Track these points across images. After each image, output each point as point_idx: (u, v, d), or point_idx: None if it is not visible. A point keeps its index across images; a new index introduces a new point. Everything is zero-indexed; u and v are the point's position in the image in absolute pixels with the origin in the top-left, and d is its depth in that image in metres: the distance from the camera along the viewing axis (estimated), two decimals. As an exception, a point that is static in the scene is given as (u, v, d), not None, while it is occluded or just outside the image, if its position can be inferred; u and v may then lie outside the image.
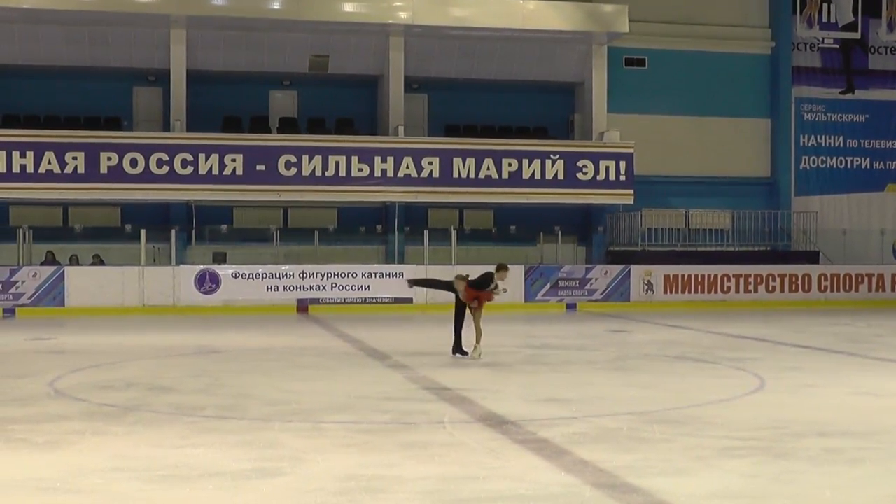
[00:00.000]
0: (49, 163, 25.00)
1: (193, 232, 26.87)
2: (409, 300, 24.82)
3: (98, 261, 25.54)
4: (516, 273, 25.23)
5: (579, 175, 27.35)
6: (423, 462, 7.53)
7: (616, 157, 27.51)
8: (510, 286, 24.69)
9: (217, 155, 25.65)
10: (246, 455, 7.73)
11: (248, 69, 28.05)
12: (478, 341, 14.19)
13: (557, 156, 27.28)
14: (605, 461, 7.51)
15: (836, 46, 31.72)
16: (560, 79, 29.49)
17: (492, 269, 14.59)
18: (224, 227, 27.15)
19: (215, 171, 25.62)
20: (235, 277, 24.14)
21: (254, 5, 26.54)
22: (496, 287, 14.38)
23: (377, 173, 26.38)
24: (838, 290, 27.29)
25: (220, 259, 26.02)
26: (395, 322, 21.77)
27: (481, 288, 14.41)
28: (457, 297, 14.41)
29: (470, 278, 14.52)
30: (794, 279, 27.10)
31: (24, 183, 24.95)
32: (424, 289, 24.38)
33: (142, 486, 6.82)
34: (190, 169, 25.50)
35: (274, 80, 28.85)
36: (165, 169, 25.41)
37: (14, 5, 25.58)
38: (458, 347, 14.52)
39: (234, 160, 25.70)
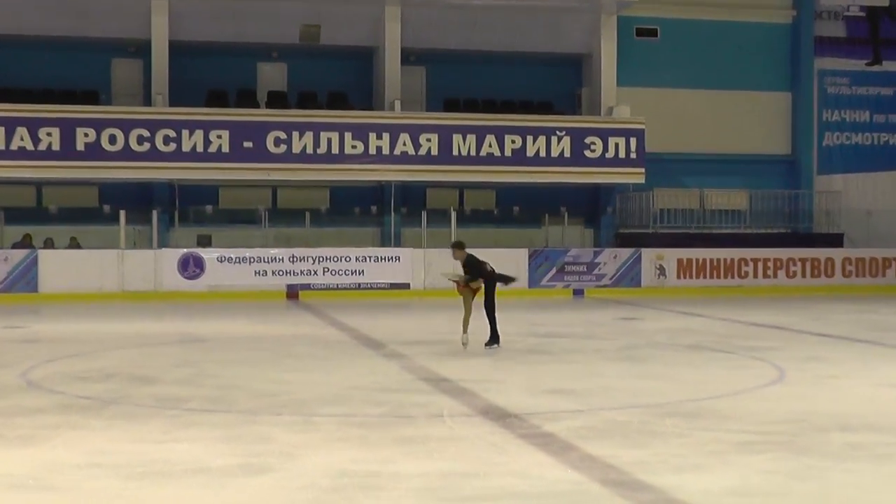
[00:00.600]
0: (21, 139, 24.93)
1: (176, 213, 26.83)
2: (406, 286, 24.82)
3: (75, 244, 25.51)
4: (520, 257, 25.24)
5: (587, 153, 27.29)
6: (420, 458, 7.52)
7: (626, 134, 27.45)
8: (514, 270, 24.79)
9: (201, 131, 25.58)
10: (232, 450, 7.72)
11: (234, 40, 27.95)
12: (465, 330, 14.15)
13: (564, 132, 27.22)
14: (614, 457, 7.51)
15: (863, 15, 31.60)
16: (566, 50, 29.39)
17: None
18: (209, 207, 27.11)
19: (199, 149, 25.55)
20: (221, 261, 24.11)
21: (240, -29, 26.49)
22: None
23: (372, 151, 26.32)
24: (863, 275, 27.27)
25: (205, 242, 25.98)
26: (391, 309, 21.77)
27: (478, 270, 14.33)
28: (486, 284, 14.30)
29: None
30: (815, 263, 27.08)
31: (-4, 161, 24.95)
32: (423, 274, 24.41)
33: (121, 483, 6.80)
34: (172, 146, 25.43)
35: (262, 51, 28.76)
36: (146, 146, 25.35)
37: (-16, -29, 25.51)
38: (494, 337, 14.23)
39: (219, 137, 25.64)
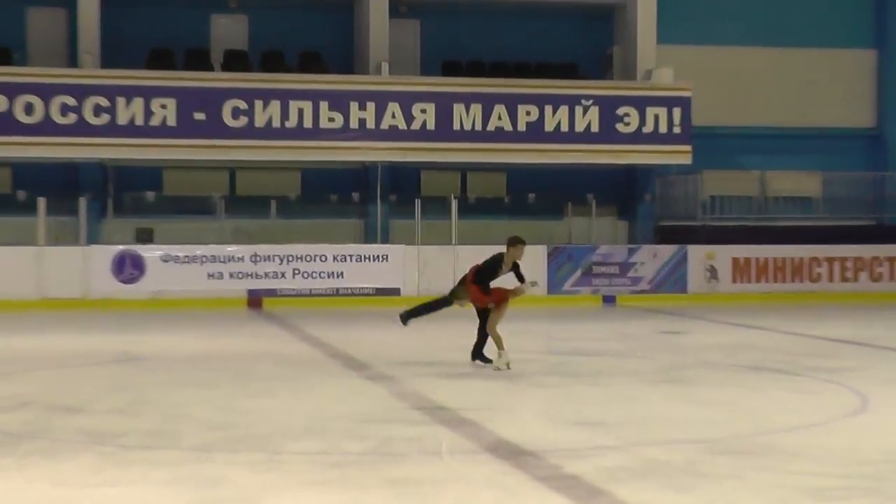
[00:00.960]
0: (-84, 109, 24.97)
1: (110, 201, 26.80)
2: (396, 291, 24.80)
3: (-17, 239, 25.50)
4: (537, 256, 25.19)
5: (620, 126, 27.25)
6: (413, 505, 7.48)
7: (668, 103, 27.41)
8: (530, 273, 24.72)
9: (141, 99, 25.54)
10: (178, 496, 7.67)
11: (181, -14, 28.00)
12: (501, 346, 14.16)
13: (591, 101, 27.18)
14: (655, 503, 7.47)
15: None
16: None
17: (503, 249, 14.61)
18: (150, 194, 27.07)
19: (139, 121, 25.52)
20: (166, 261, 24.08)
21: None
22: (520, 281, 14.44)
23: (353, 125, 26.29)
24: (966, 277, 27.26)
25: (146, 237, 25.95)
26: (378, 320, 21.70)
27: (490, 277, 14.40)
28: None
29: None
30: (905, 263, 27.12)
31: None
32: (417, 277, 24.39)
33: (39, 537, 6.76)
34: (105, 118, 25.40)
35: (217, 0, 28.72)
36: (72, 118, 25.32)
37: None
38: (478, 352, 14.51)
39: (163, 107, 25.60)
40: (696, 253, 26.26)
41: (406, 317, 15.05)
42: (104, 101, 25.44)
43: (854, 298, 26.34)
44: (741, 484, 8.08)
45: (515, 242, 14.69)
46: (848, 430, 10.30)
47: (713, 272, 26.27)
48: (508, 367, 14.09)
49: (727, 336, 19.00)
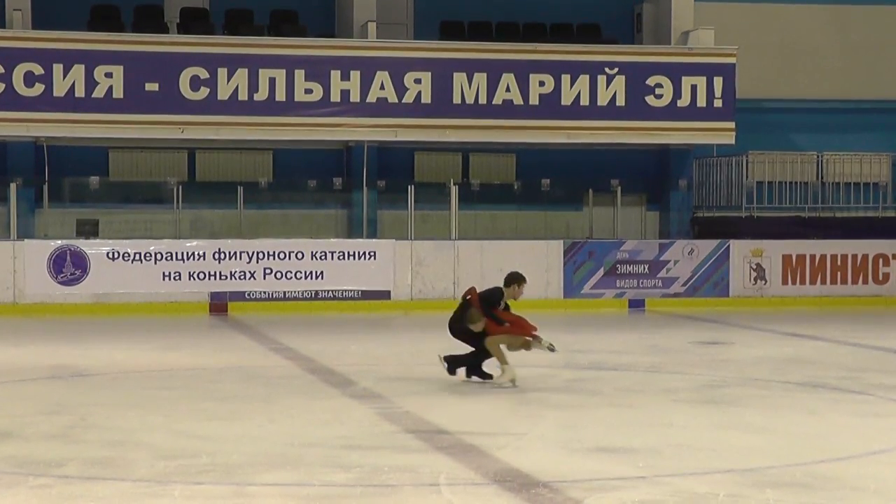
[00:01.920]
0: None
1: (45, 187, 26.78)
2: (387, 294, 24.80)
3: None
4: (552, 252, 25.22)
5: (650, 99, 27.26)
6: (406, 547, 7.53)
7: (708, 71, 27.42)
8: (544, 270, 24.78)
9: (82, 67, 25.50)
10: (129, 536, 7.70)
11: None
12: (504, 361, 14.15)
13: (616, 69, 27.18)
14: (692, 545, 7.51)
15: None
16: (621, -52, 29.50)
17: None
18: (94, 179, 27.03)
19: (79, 93, 25.49)
20: (112, 259, 24.08)
21: None
22: (533, 335, 14.39)
23: (335, 97, 26.28)
24: None
25: (89, 230, 25.94)
26: (364, 328, 21.74)
27: (494, 307, 14.41)
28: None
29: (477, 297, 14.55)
30: None
31: None
32: (410, 278, 24.45)
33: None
34: (39, 88, 25.38)
35: (172, -52, 28.76)
36: None
37: None
38: (473, 367, 14.48)
39: (109, 75, 25.57)
40: (741, 249, 26.27)
41: (452, 364, 14.66)
42: (37, 69, 25.40)
43: (927, 303, 26.40)
44: (793, 522, 8.12)
45: (512, 282, 14.57)
46: (919, 459, 10.34)
47: (760, 272, 26.29)
48: (514, 384, 14.06)
49: (777, 348, 18.99)
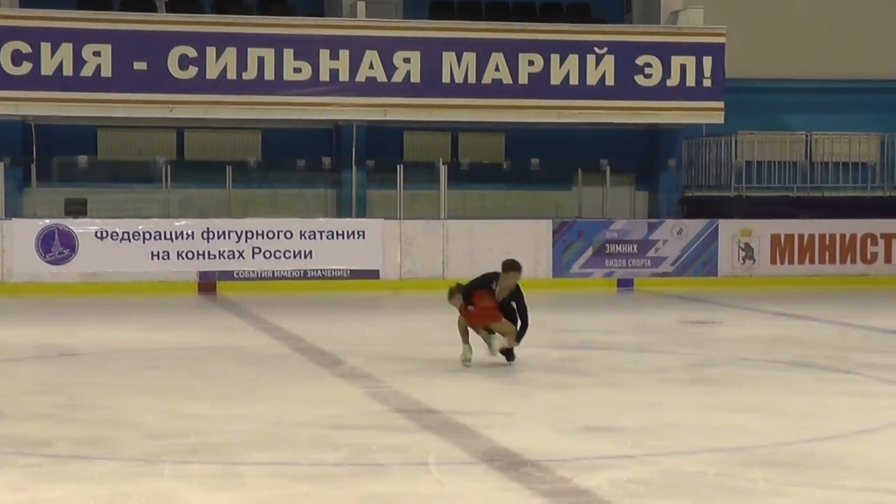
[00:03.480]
0: None
1: (33, 167, 26.73)
2: (375, 274, 24.79)
3: None
4: (541, 232, 25.22)
5: (639, 78, 27.25)
6: (395, 526, 7.54)
7: (697, 51, 27.41)
8: (532, 251, 24.75)
9: (70, 45, 25.43)
10: (118, 515, 7.70)
11: None
12: (465, 340, 14.07)
13: (605, 49, 27.16)
14: (680, 524, 7.52)
15: None
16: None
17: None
18: (83, 159, 27.00)
19: (67, 71, 25.43)
20: (101, 238, 24.04)
21: None
22: (522, 319, 14.26)
23: (324, 77, 26.24)
24: None
25: (78, 209, 25.90)
26: (353, 307, 21.72)
27: (478, 289, 14.30)
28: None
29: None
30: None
31: None
32: (399, 257, 24.43)
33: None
34: (27, 67, 25.31)
35: (161, -73, 28.66)
36: (-12, 67, 25.30)
37: None
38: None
39: (97, 54, 25.51)
40: (729, 229, 26.30)
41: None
42: (25, 47, 25.34)
43: (916, 283, 26.43)
44: (781, 501, 8.12)
45: (508, 268, 14.41)
46: (906, 438, 10.37)
47: (749, 251, 26.31)
48: (465, 364, 13.96)
49: (765, 328, 19.02)
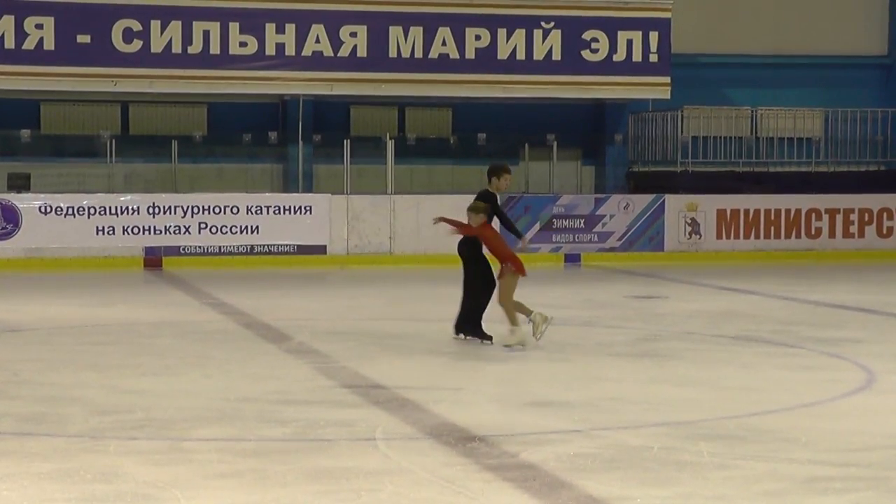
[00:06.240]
0: None
1: (-24, 141, 26.57)
2: (322, 249, 24.75)
3: None
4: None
5: (586, 53, 27.25)
6: (342, 500, 7.52)
7: (643, 26, 27.42)
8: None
9: (11, 18, 25.18)
10: (63, 493, 7.66)
11: None
12: (514, 322, 13.96)
13: (552, 23, 27.14)
14: (626, 498, 7.54)
15: None
16: None
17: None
18: (25, 133, 26.80)
19: (9, 44, 25.18)
20: (45, 213, 23.89)
21: None
22: (516, 235, 14.32)
23: (270, 51, 26.12)
24: None
25: (20, 184, 25.72)
26: (300, 282, 21.71)
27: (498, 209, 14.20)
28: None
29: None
30: (921, 216, 27.32)
31: None
32: (346, 232, 24.37)
33: None
34: (-32, 40, 25.15)
35: None
36: (-71, 41, 25.07)
37: None
38: (467, 323, 14.25)
39: (39, 26, 25.29)
40: (676, 204, 26.39)
41: (461, 331, 14.24)
42: (-34, 21, 25.17)
43: (860, 257, 26.58)
44: (726, 474, 8.18)
45: (501, 171, 14.40)
46: (850, 412, 10.43)
47: (695, 226, 26.41)
48: (523, 347, 13.82)
49: (711, 302, 19.12)
